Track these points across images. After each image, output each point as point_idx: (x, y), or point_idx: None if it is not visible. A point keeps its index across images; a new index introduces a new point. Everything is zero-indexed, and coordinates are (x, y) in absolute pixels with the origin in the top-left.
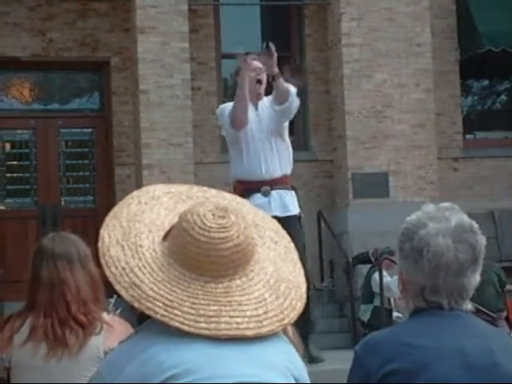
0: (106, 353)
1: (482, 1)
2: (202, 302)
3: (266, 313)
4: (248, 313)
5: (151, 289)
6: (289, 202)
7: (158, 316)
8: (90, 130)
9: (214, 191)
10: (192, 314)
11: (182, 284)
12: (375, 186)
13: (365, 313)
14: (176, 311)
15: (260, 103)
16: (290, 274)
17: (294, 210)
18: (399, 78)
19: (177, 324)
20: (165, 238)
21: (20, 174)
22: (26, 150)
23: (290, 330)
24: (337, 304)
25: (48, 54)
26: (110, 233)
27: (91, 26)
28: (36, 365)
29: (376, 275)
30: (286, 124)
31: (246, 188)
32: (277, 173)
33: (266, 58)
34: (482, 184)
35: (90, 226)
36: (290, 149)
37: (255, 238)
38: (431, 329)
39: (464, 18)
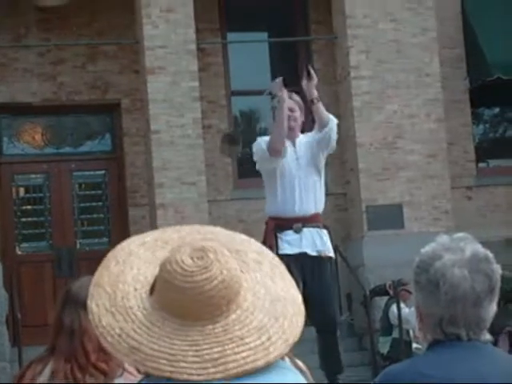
0: None
1: (489, 30)
2: (204, 346)
3: (269, 339)
4: (252, 344)
5: (151, 348)
6: (320, 242)
7: (167, 374)
8: (102, 171)
9: (187, 228)
10: (198, 362)
11: (180, 335)
12: (390, 217)
13: (384, 345)
14: (182, 364)
15: (297, 141)
16: (282, 290)
17: (326, 250)
18: (410, 109)
19: (185, 376)
20: (151, 291)
21: (35, 218)
22: (40, 194)
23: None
24: (356, 337)
25: (59, 98)
26: (98, 302)
27: (101, 68)
28: None
29: (394, 307)
30: (323, 161)
31: (278, 224)
32: (310, 210)
33: (306, 82)
34: (497, 211)
35: None
36: (324, 187)
37: (239, 265)
38: (450, 360)
39: (472, 47)
